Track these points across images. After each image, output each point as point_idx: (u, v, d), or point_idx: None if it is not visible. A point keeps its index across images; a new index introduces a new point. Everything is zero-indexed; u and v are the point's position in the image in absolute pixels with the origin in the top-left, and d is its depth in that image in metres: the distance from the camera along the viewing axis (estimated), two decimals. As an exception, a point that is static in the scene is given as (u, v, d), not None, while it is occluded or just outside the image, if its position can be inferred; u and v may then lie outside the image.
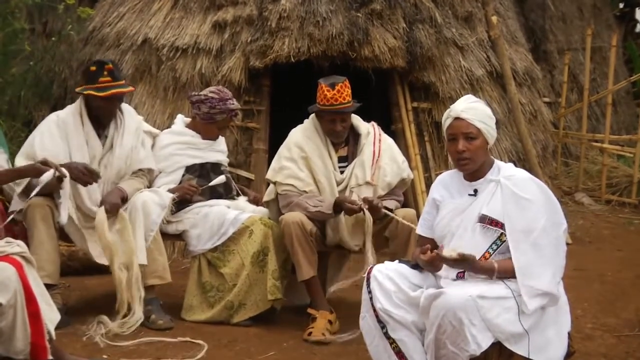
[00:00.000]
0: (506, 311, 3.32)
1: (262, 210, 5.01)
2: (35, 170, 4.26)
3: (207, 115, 5.05)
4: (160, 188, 4.92)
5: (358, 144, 4.87)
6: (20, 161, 4.65)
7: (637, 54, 12.43)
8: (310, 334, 4.55)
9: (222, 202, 5.01)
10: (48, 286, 4.09)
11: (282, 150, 4.88)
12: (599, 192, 8.80)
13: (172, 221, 4.92)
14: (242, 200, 5.17)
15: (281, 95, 7.22)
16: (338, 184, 4.80)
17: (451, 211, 3.60)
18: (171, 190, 4.91)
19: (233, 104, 5.10)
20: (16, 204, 4.53)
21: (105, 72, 4.72)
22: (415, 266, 3.57)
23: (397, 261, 3.66)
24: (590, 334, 4.69)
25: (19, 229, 4.57)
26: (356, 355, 4.25)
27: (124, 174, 4.88)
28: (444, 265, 3.50)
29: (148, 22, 6.98)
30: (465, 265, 3.43)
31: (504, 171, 3.59)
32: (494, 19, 7.51)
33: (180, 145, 5.10)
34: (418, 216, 4.08)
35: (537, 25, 10.23)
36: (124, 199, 4.75)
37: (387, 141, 4.94)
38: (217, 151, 5.21)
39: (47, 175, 4.22)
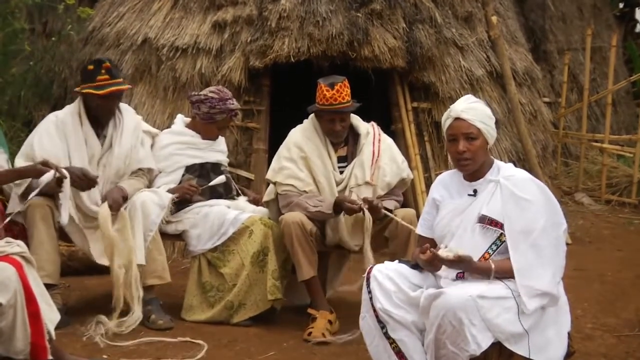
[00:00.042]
0: (506, 311, 3.32)
1: (262, 210, 5.01)
2: (35, 171, 4.27)
3: (207, 115, 5.05)
4: (160, 188, 4.93)
5: (357, 144, 4.87)
6: (20, 162, 4.65)
7: (637, 54, 12.43)
8: (310, 334, 4.55)
9: (222, 202, 5.01)
10: (48, 286, 4.09)
11: (282, 150, 4.88)
12: (599, 192, 8.80)
13: (172, 221, 4.92)
14: (242, 200, 5.17)
15: (281, 95, 7.22)
16: (337, 184, 4.80)
17: (451, 211, 3.60)
18: (171, 190, 4.91)
19: (233, 103, 5.10)
20: (14, 206, 4.53)
21: (103, 71, 4.73)
22: (415, 266, 3.57)
23: (397, 261, 3.66)
24: (590, 334, 4.69)
25: (19, 229, 4.58)
26: (356, 355, 4.25)
27: (123, 174, 4.88)
28: (444, 266, 3.50)
29: (148, 22, 6.98)
30: (462, 266, 3.43)
31: (504, 171, 3.59)
32: (494, 19, 7.50)
33: (180, 145, 5.10)
34: (418, 216, 4.08)
35: (537, 25, 10.23)
36: (125, 198, 4.75)
37: (387, 141, 4.94)
38: (217, 151, 5.21)
39: (48, 177, 4.22)
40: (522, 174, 3.60)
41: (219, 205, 4.96)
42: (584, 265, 6.18)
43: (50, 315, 3.70)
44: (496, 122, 3.61)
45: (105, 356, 4.21)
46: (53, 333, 3.69)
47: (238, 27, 6.76)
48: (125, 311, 4.59)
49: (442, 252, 3.40)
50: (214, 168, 5.14)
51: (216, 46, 6.72)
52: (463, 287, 3.39)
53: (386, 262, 3.66)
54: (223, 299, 4.82)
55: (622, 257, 6.70)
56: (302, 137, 4.85)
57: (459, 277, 3.51)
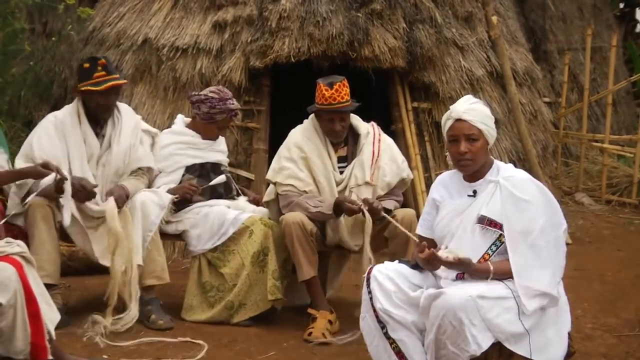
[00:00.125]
0: (506, 311, 3.32)
1: (262, 211, 5.01)
2: (36, 172, 4.28)
3: (207, 115, 5.06)
4: (160, 188, 4.93)
5: (357, 144, 4.87)
6: (20, 162, 4.66)
7: (637, 54, 12.43)
8: (310, 334, 4.55)
9: (222, 202, 5.01)
10: (48, 286, 4.10)
11: (282, 150, 4.88)
12: (599, 192, 8.80)
13: (172, 221, 4.92)
14: (242, 200, 5.17)
15: (281, 95, 7.22)
16: (337, 184, 4.80)
17: (451, 212, 3.60)
18: (171, 190, 4.91)
19: (233, 103, 5.10)
20: (12, 207, 4.53)
21: (99, 67, 4.75)
22: (415, 266, 3.58)
23: (397, 261, 3.66)
24: (590, 334, 4.69)
25: (19, 229, 4.58)
26: (356, 356, 4.25)
27: (123, 173, 4.88)
28: (443, 267, 3.50)
29: (148, 22, 6.98)
30: (461, 268, 3.43)
31: (503, 172, 3.58)
32: (494, 19, 7.50)
33: (180, 145, 5.10)
34: (418, 216, 4.08)
35: (537, 25, 10.23)
36: (127, 196, 4.75)
37: (387, 141, 4.94)
38: (217, 151, 5.21)
39: (48, 180, 4.23)
40: (521, 174, 3.60)
41: (219, 205, 4.96)
42: (584, 265, 6.18)
43: (51, 315, 3.71)
44: (496, 122, 3.61)
45: (105, 356, 4.21)
46: (53, 333, 3.69)
47: (238, 27, 6.76)
48: (120, 308, 4.58)
49: (442, 253, 3.40)
50: (214, 168, 5.14)
51: (216, 46, 6.72)
52: (463, 287, 3.38)
53: (386, 262, 3.66)
54: (223, 299, 4.82)
55: (622, 257, 6.70)
56: (302, 137, 4.85)
57: (459, 278, 3.51)
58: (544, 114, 8.03)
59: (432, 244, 3.62)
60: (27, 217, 4.55)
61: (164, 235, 4.88)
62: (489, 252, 3.48)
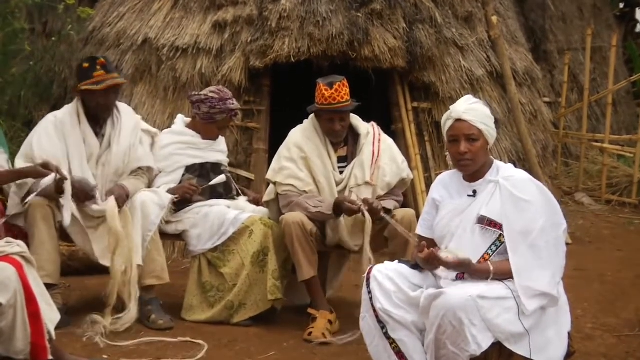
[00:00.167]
0: (506, 311, 3.32)
1: (262, 210, 5.01)
2: (36, 172, 4.28)
3: (207, 115, 5.06)
4: (160, 188, 4.93)
5: (357, 144, 4.87)
6: (20, 162, 4.66)
7: (637, 54, 12.43)
8: (310, 334, 4.55)
9: (222, 202, 5.01)
10: (48, 286, 4.09)
11: (282, 150, 4.88)
12: (599, 192, 8.80)
13: (172, 221, 4.92)
14: (242, 200, 5.17)
15: (281, 95, 7.22)
16: (337, 184, 4.80)
17: (450, 212, 3.60)
18: (171, 190, 4.91)
19: (233, 103, 5.10)
20: (13, 207, 4.53)
21: (99, 67, 4.76)
22: (415, 266, 3.58)
23: (397, 261, 3.66)
24: (590, 334, 4.69)
25: (18, 229, 4.58)
26: (356, 356, 4.25)
27: (122, 173, 4.88)
28: (443, 268, 3.50)
29: (148, 22, 6.98)
30: (461, 268, 3.43)
31: (503, 172, 3.58)
32: (494, 19, 7.50)
33: (180, 145, 5.10)
34: (418, 216, 4.08)
35: (537, 25, 10.23)
36: (127, 196, 4.75)
37: (387, 141, 4.94)
38: (217, 151, 5.21)
39: (48, 180, 4.23)
40: (521, 174, 3.60)
41: (219, 205, 4.96)
42: (584, 265, 6.18)
43: (51, 315, 3.71)
44: (496, 122, 3.61)
45: (105, 356, 4.21)
46: (53, 333, 3.69)
47: (238, 27, 6.76)
48: (119, 308, 4.58)
49: (442, 254, 3.40)
50: (214, 168, 5.14)
51: (216, 46, 6.72)
52: (463, 287, 3.38)
53: (386, 262, 3.66)
54: (223, 299, 4.82)
55: (622, 257, 6.70)
56: (302, 137, 4.85)
57: (459, 278, 3.51)
58: (544, 114, 8.03)
59: (432, 244, 3.62)
60: (27, 217, 4.55)
61: (164, 235, 4.88)
62: (489, 252, 3.48)
